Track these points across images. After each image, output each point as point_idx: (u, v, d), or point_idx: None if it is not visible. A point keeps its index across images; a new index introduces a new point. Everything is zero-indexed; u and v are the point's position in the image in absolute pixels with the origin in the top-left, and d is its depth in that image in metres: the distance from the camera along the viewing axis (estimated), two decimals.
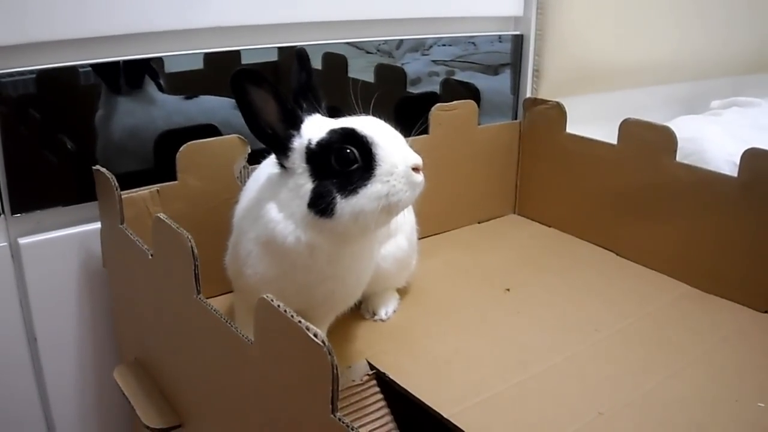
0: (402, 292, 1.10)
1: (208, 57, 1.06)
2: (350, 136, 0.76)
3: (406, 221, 1.02)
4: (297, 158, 0.78)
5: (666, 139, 1.15)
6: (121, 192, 0.87)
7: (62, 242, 0.98)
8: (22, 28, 0.88)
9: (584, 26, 1.48)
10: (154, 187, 0.99)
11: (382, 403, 0.88)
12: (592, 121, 1.34)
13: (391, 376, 0.87)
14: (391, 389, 0.87)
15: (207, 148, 1.01)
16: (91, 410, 1.08)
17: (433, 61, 1.37)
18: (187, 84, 1.06)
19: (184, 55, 1.04)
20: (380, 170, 0.75)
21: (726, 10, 1.77)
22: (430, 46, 1.36)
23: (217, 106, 1.09)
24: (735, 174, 1.07)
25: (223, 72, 1.07)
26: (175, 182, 1.00)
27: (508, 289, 1.12)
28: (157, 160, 1.05)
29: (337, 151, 0.75)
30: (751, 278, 1.06)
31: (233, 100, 0.76)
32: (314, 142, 0.77)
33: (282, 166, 0.79)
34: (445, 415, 0.78)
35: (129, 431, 1.11)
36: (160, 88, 1.04)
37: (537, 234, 1.37)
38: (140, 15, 0.97)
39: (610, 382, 0.87)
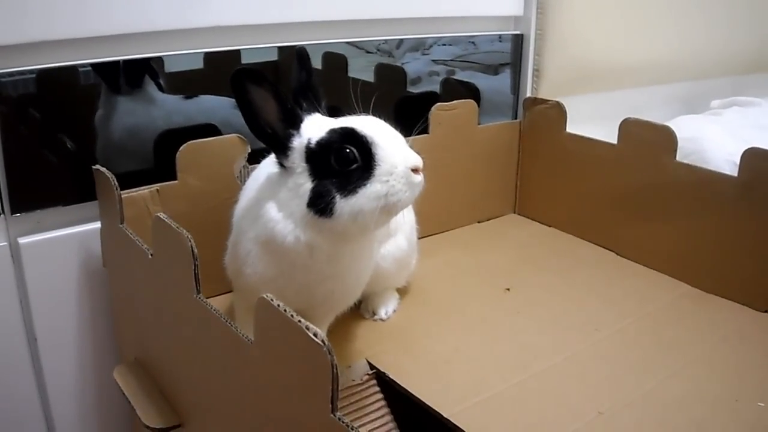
0: (402, 291, 1.10)
1: (208, 56, 1.06)
2: (350, 135, 0.76)
3: (405, 221, 1.01)
4: (296, 158, 0.78)
5: (666, 138, 1.15)
6: (121, 192, 0.88)
7: (62, 242, 0.98)
8: (22, 28, 0.88)
9: (584, 26, 1.48)
10: (154, 187, 0.99)
11: (382, 402, 0.88)
12: (592, 120, 1.34)
13: (391, 376, 0.87)
14: (391, 389, 0.87)
15: (207, 148, 1.01)
16: (91, 410, 1.08)
17: (433, 60, 1.37)
18: (187, 83, 1.06)
19: (184, 55, 1.04)
20: (380, 170, 0.75)
21: (726, 10, 1.77)
22: (430, 46, 1.36)
23: (217, 106, 1.09)
24: (735, 174, 1.07)
25: (223, 71, 1.07)
26: (175, 182, 1.00)
27: (508, 289, 1.12)
28: (157, 159, 1.05)
29: (336, 150, 0.75)
30: (751, 278, 1.06)
31: (233, 100, 0.76)
32: (314, 141, 0.77)
33: (281, 165, 0.79)
34: (445, 415, 0.78)
35: (129, 431, 1.11)
36: (160, 88, 1.04)
37: (537, 233, 1.37)
38: (140, 14, 0.97)
39: (610, 381, 0.87)
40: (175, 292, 0.73)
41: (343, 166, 0.75)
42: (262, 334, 0.61)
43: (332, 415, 0.52)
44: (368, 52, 1.26)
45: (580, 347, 0.95)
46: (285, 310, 0.56)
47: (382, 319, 1.03)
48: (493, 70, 1.45)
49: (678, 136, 1.14)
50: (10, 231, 0.96)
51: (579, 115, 1.35)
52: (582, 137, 1.31)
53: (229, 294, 1.02)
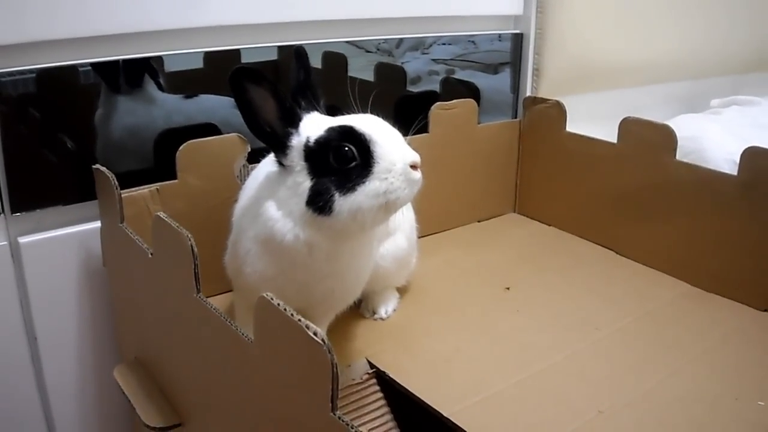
0: (402, 290, 1.10)
1: (208, 56, 1.06)
2: (348, 133, 0.76)
3: (405, 220, 1.01)
4: (295, 156, 0.78)
5: (666, 137, 1.15)
6: (121, 191, 0.88)
7: (62, 241, 0.99)
8: (22, 28, 0.88)
9: (584, 25, 1.48)
10: (154, 186, 0.99)
11: (382, 401, 0.88)
12: (592, 119, 1.34)
13: (390, 375, 0.87)
14: (391, 388, 0.87)
15: (207, 147, 1.01)
16: (91, 409, 1.08)
17: (433, 59, 1.37)
18: (187, 83, 1.06)
19: (184, 54, 1.04)
20: (378, 168, 0.75)
21: (726, 9, 1.77)
22: (430, 45, 1.36)
23: (217, 105, 1.09)
24: (735, 173, 1.07)
25: (223, 71, 1.06)
26: (175, 181, 1.00)
27: (508, 288, 1.12)
28: (157, 159, 1.05)
29: (335, 148, 0.75)
30: (751, 277, 1.06)
31: (233, 99, 0.76)
32: (312, 140, 0.77)
33: (281, 164, 0.79)
34: (445, 414, 0.78)
35: (129, 430, 1.11)
36: (160, 87, 1.04)
37: (537, 233, 1.37)
38: (140, 14, 0.97)
39: (610, 380, 0.87)
40: (175, 291, 0.73)
41: (341, 164, 0.75)
42: (262, 333, 0.61)
43: (332, 414, 0.52)
44: (368, 51, 1.26)
45: (580, 346, 0.95)
46: (285, 309, 0.56)
47: (382, 318, 1.03)
48: (493, 69, 1.45)
49: (678, 135, 1.14)
50: (10, 230, 0.96)
51: (579, 114, 1.35)
52: (582, 136, 1.31)
53: (229, 293, 1.02)
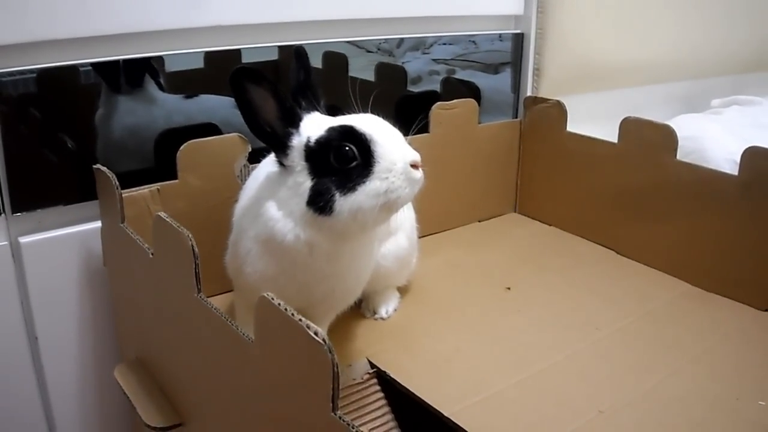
0: (402, 290, 1.10)
1: (209, 56, 1.06)
2: (349, 133, 0.76)
3: (406, 219, 1.02)
4: (296, 156, 0.78)
5: (666, 137, 1.15)
6: (122, 191, 0.88)
7: (63, 241, 0.99)
8: (23, 27, 0.88)
9: (584, 25, 1.48)
10: (155, 186, 0.99)
11: (383, 401, 0.88)
12: (593, 119, 1.34)
13: (391, 375, 0.87)
14: (392, 388, 0.87)
15: (207, 147, 1.01)
16: (91, 409, 1.08)
17: (434, 59, 1.37)
18: (187, 83, 1.06)
19: (184, 54, 1.04)
20: (379, 167, 0.75)
21: (726, 9, 1.77)
22: (431, 45, 1.36)
23: (218, 105, 1.09)
24: (735, 172, 1.07)
25: (224, 71, 1.07)
26: (176, 181, 1.00)
27: (509, 288, 1.12)
28: (158, 159, 1.05)
29: (335, 148, 0.75)
30: (751, 276, 1.06)
31: (233, 99, 0.76)
32: (313, 140, 0.77)
33: (281, 164, 0.79)
34: (445, 414, 0.78)
35: (130, 430, 1.11)
36: (161, 87, 1.04)
37: (537, 232, 1.37)
38: (141, 14, 0.97)
39: (611, 380, 0.87)
40: (176, 291, 0.74)
41: (342, 164, 0.75)
42: (262, 332, 0.61)
43: (333, 414, 0.52)
44: (369, 51, 1.26)
45: (581, 346, 0.95)
46: (285, 309, 0.56)
47: (382, 318, 1.03)
48: (494, 69, 1.45)
49: (678, 134, 1.14)
50: (11, 230, 0.96)
51: (579, 114, 1.35)
52: (582, 136, 1.31)
53: (230, 293, 1.02)
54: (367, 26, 1.23)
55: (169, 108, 1.06)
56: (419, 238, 1.09)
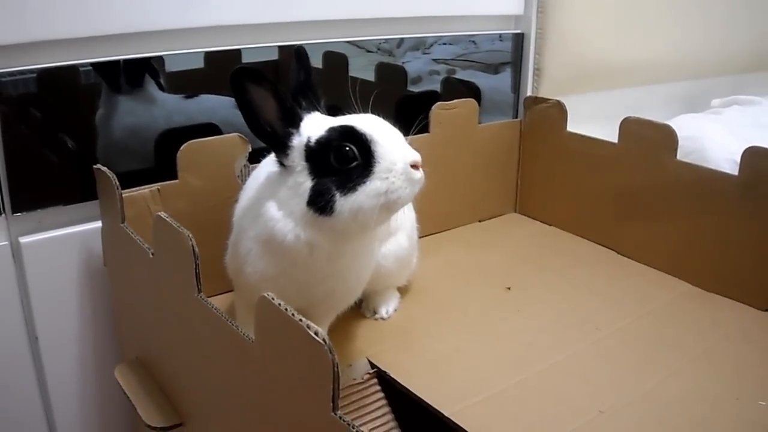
0: (403, 290, 1.10)
1: (209, 56, 1.06)
2: (349, 133, 0.76)
3: (406, 219, 1.01)
4: (296, 156, 0.78)
5: (667, 137, 1.15)
6: (122, 191, 0.88)
7: (63, 241, 0.99)
8: (23, 27, 0.88)
9: (585, 25, 1.48)
10: (155, 186, 0.99)
11: (383, 401, 0.88)
12: (593, 119, 1.34)
13: (391, 375, 0.87)
14: (392, 388, 0.87)
15: (208, 147, 1.01)
16: (92, 409, 1.08)
17: (434, 59, 1.37)
18: (187, 83, 1.06)
19: (184, 54, 1.04)
20: (379, 167, 0.75)
21: (726, 9, 1.77)
22: (431, 45, 1.36)
23: (218, 105, 1.09)
24: (736, 172, 1.07)
25: (224, 71, 1.07)
26: (176, 181, 1.00)
27: (509, 288, 1.12)
28: (158, 159, 1.05)
29: (336, 148, 0.75)
30: (751, 276, 1.06)
31: (234, 99, 0.76)
32: (313, 140, 0.77)
33: (281, 164, 0.79)
34: (445, 414, 0.78)
35: (130, 430, 1.11)
36: (161, 87, 1.04)
37: (538, 233, 1.37)
38: (141, 14, 0.97)
39: (611, 380, 0.87)
40: (176, 291, 0.74)
41: (342, 164, 0.75)
42: (263, 333, 0.61)
43: (333, 414, 0.52)
44: (369, 51, 1.26)
45: (581, 346, 0.95)
46: (286, 309, 0.56)
47: (383, 318, 1.03)
48: (494, 69, 1.45)
49: (678, 134, 1.14)
50: (11, 230, 0.96)
51: (579, 114, 1.35)
52: (583, 136, 1.31)
53: (230, 293, 1.02)
54: (367, 26, 1.23)
55: (169, 108, 1.06)
56: (419, 238, 1.09)
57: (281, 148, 0.79)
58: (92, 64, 0.96)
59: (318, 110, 0.83)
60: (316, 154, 0.76)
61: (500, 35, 1.43)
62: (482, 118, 1.36)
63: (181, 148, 0.99)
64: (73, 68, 0.95)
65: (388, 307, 1.04)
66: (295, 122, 0.79)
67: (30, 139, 0.94)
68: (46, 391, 1.03)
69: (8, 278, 0.96)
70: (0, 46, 0.88)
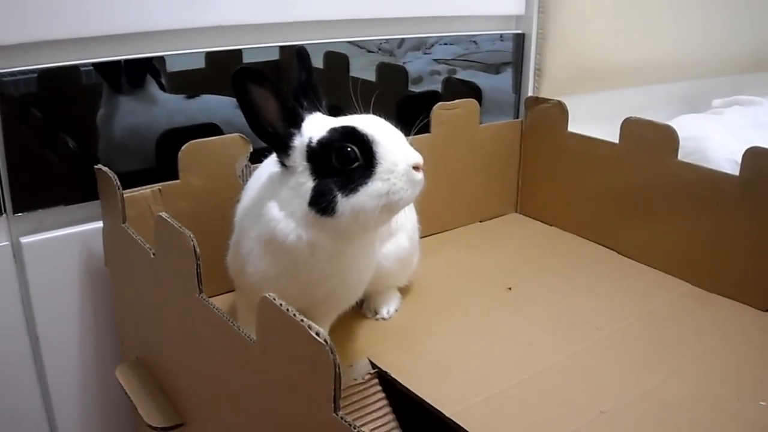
0: (404, 290, 1.10)
1: (210, 56, 1.06)
2: (351, 134, 0.76)
3: (407, 219, 1.01)
4: (298, 157, 0.78)
5: (667, 137, 1.15)
6: (123, 191, 0.88)
7: (64, 241, 0.99)
8: (24, 28, 0.88)
9: (586, 25, 1.48)
10: (156, 186, 0.99)
11: (384, 401, 0.88)
12: (594, 119, 1.34)
13: (392, 375, 0.87)
14: (393, 388, 0.87)
15: (209, 147, 1.02)
16: (93, 409, 1.08)
17: (435, 59, 1.37)
18: (188, 83, 1.06)
19: (185, 54, 1.04)
20: (381, 168, 0.75)
21: (726, 9, 1.76)
22: (432, 45, 1.36)
23: (219, 105, 1.09)
24: (736, 173, 1.07)
25: (225, 71, 1.07)
26: (177, 181, 1.00)
27: (510, 288, 1.12)
28: (159, 159, 1.05)
29: (337, 149, 0.75)
30: (752, 277, 1.06)
31: (235, 99, 0.76)
32: (315, 140, 0.77)
33: (283, 164, 0.79)
34: (446, 414, 0.78)
35: (131, 430, 1.11)
36: (162, 87, 1.04)
37: (538, 233, 1.37)
38: (142, 14, 0.97)
39: (612, 380, 0.87)
40: (177, 291, 0.74)
41: (344, 164, 0.75)
42: (264, 333, 0.61)
43: (334, 414, 0.52)
44: (370, 51, 1.26)
45: (582, 346, 0.95)
46: (287, 310, 0.56)
47: (384, 318, 1.03)
48: (495, 69, 1.45)
49: (679, 135, 1.14)
50: (12, 230, 0.96)
51: (580, 114, 1.35)
52: (583, 136, 1.31)
53: (231, 293, 1.02)
54: (368, 26, 1.23)
55: (170, 108, 1.06)
56: (420, 238, 1.09)
57: (283, 149, 0.79)
58: (93, 64, 0.97)
59: (319, 110, 0.83)
60: (318, 154, 0.76)
61: (501, 35, 1.43)
62: (483, 118, 1.36)
63: (183, 148, 0.99)
64: (74, 68, 0.95)
65: (389, 308, 1.04)
66: (296, 122, 0.79)
67: (31, 140, 0.95)
68: (47, 391, 1.03)
69: (9, 278, 0.96)
70: (1, 46, 0.88)
